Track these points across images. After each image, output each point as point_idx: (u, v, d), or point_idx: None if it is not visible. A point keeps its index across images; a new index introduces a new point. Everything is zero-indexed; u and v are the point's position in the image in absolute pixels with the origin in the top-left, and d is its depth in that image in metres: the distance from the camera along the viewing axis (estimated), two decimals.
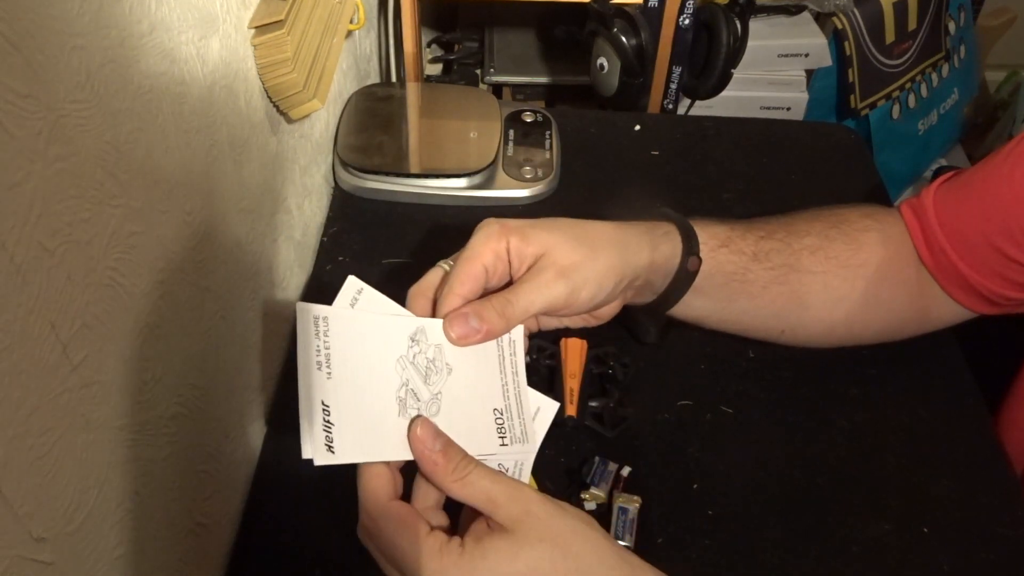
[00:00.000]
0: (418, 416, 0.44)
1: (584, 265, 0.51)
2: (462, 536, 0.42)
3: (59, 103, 0.34)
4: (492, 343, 0.49)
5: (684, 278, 0.58)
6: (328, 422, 0.42)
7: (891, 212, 0.66)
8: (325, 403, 0.43)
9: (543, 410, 0.49)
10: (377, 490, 0.43)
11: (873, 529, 0.60)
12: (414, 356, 0.46)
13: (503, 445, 0.47)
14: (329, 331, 0.44)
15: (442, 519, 0.45)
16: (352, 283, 0.46)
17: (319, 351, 0.44)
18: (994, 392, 0.71)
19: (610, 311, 0.57)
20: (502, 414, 0.48)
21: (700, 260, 0.58)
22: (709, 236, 0.60)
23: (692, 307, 0.61)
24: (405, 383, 0.45)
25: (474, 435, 0.45)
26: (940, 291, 0.64)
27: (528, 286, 0.50)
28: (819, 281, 0.63)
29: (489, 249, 0.50)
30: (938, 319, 0.66)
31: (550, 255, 0.51)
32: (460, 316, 0.47)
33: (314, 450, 0.41)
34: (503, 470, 0.46)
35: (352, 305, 0.46)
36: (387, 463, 0.44)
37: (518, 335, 0.50)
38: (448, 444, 0.44)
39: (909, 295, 0.65)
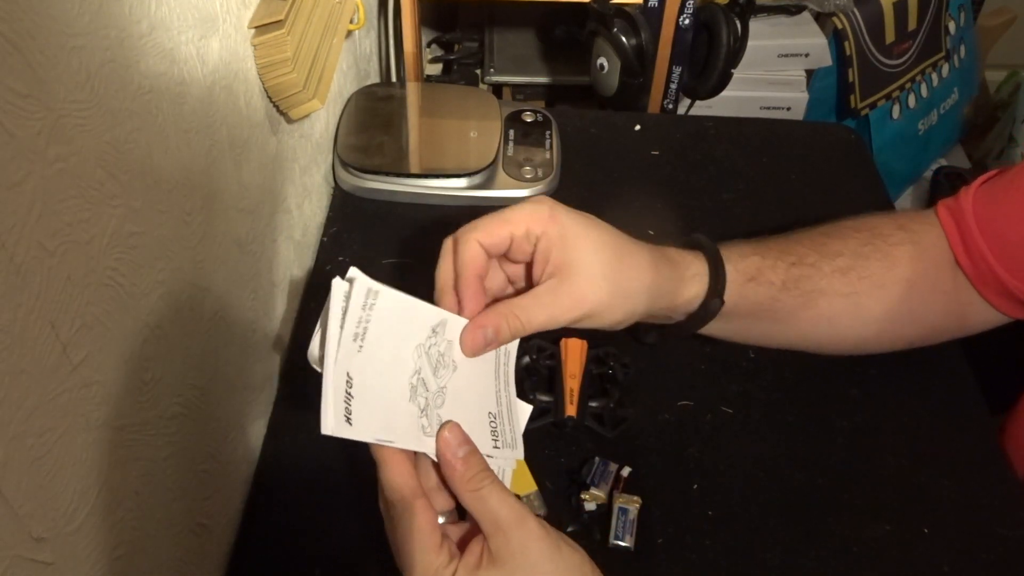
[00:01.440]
0: (449, 421, 0.45)
1: (600, 300, 0.50)
2: (461, 549, 0.43)
3: (59, 103, 0.34)
4: (490, 370, 0.50)
5: (705, 316, 0.58)
6: (349, 394, 0.42)
7: (925, 218, 0.65)
8: (350, 375, 0.43)
9: (519, 412, 0.50)
10: (402, 486, 0.43)
11: (873, 529, 0.60)
12: (429, 347, 0.46)
13: (495, 447, 0.47)
14: (376, 306, 0.44)
15: (445, 502, 0.45)
16: (362, 281, 0.45)
17: (360, 323, 0.44)
18: (995, 393, 0.71)
19: (617, 330, 0.57)
20: (496, 418, 0.48)
21: (722, 302, 0.57)
22: (739, 273, 0.59)
23: (712, 329, 0.61)
24: (418, 371, 0.46)
25: (471, 433, 0.46)
26: (977, 296, 0.63)
27: (543, 304, 0.49)
28: (851, 302, 0.62)
29: (524, 223, 0.49)
30: (975, 324, 0.65)
31: (578, 278, 0.50)
32: (476, 330, 0.48)
33: (334, 420, 0.41)
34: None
35: (364, 307, 0.46)
36: (405, 451, 0.44)
37: (513, 345, 0.51)
38: (471, 453, 0.44)
39: (945, 304, 0.64)
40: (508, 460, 0.48)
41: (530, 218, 0.49)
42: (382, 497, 0.45)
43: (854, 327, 0.63)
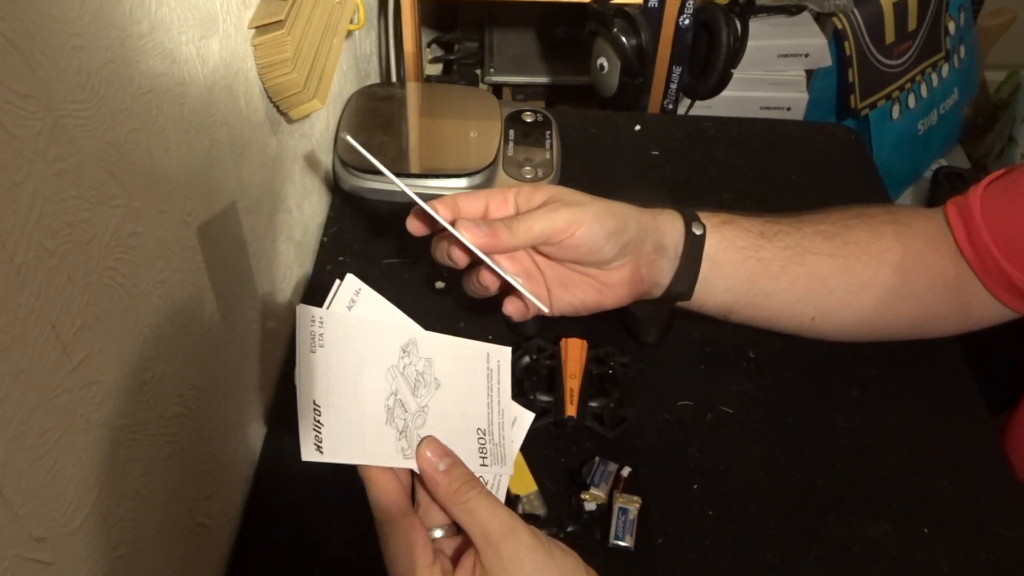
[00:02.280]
0: (427, 436, 0.45)
1: (586, 205, 0.56)
2: (456, 563, 0.43)
3: (59, 103, 0.34)
4: (481, 364, 0.49)
5: (693, 242, 0.59)
6: (318, 422, 0.43)
7: (924, 213, 0.65)
8: (316, 403, 0.43)
9: (520, 420, 0.50)
10: (389, 506, 0.43)
11: (873, 529, 0.60)
12: (404, 367, 0.46)
13: (483, 465, 0.47)
14: (324, 332, 0.44)
15: (441, 518, 0.45)
16: (350, 282, 0.46)
17: (314, 350, 0.44)
18: (995, 393, 0.71)
19: (619, 278, 0.58)
20: (484, 435, 0.48)
21: (704, 226, 0.60)
22: (709, 215, 0.61)
23: (716, 290, 0.61)
24: (394, 392, 0.45)
25: (456, 450, 0.46)
26: (983, 291, 0.63)
27: (534, 211, 0.55)
28: (839, 264, 0.62)
29: (497, 192, 0.56)
30: (980, 318, 0.65)
31: (557, 195, 0.56)
32: (471, 223, 0.51)
33: (304, 447, 0.42)
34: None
35: (350, 306, 0.46)
36: (393, 470, 0.44)
37: (505, 357, 0.50)
38: (453, 464, 0.44)
39: (945, 290, 0.64)
40: (498, 475, 0.48)
41: (499, 189, 0.57)
42: (374, 517, 0.44)
43: (849, 292, 0.63)
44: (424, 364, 0.47)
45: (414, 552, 0.42)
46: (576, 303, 0.59)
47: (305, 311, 0.44)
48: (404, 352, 0.46)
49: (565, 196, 0.56)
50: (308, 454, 0.42)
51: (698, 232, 0.60)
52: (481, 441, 0.47)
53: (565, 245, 0.55)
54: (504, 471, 0.48)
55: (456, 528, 0.45)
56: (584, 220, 0.54)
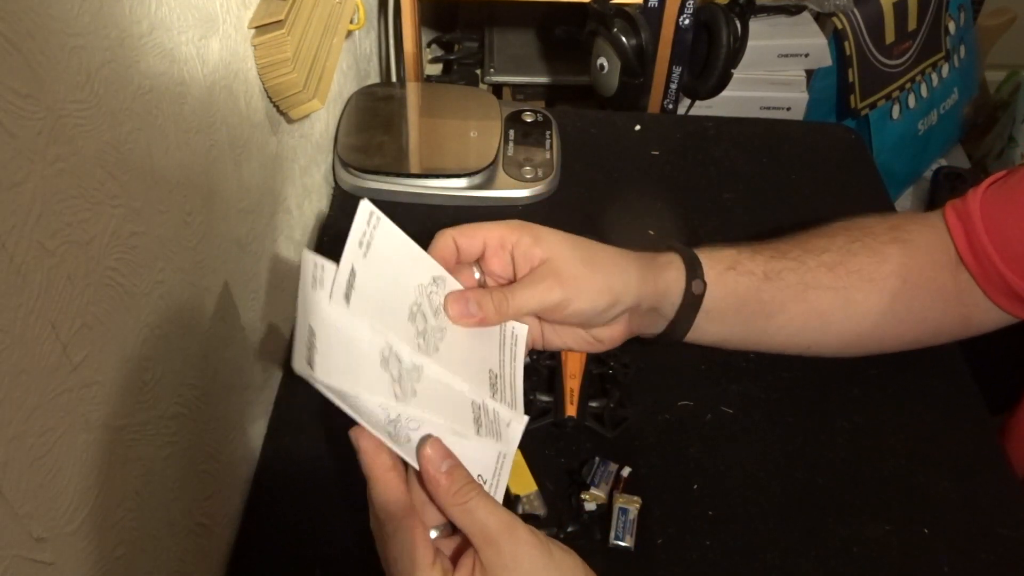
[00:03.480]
0: (429, 436, 0.45)
1: (582, 280, 0.54)
2: (454, 563, 0.43)
3: (59, 103, 0.34)
4: (495, 337, 0.50)
5: (691, 303, 0.59)
6: (313, 344, 0.43)
7: (924, 220, 0.65)
8: (313, 328, 0.43)
9: (513, 423, 0.50)
10: (391, 504, 0.43)
11: (873, 529, 0.60)
12: (430, 294, 0.48)
13: (477, 434, 0.47)
14: (368, 253, 0.46)
15: (436, 517, 0.45)
16: (364, 208, 0.46)
17: (351, 275, 0.45)
18: (995, 393, 0.71)
19: (611, 335, 0.58)
20: (479, 409, 0.48)
21: (704, 284, 0.59)
22: (715, 261, 0.60)
23: (708, 333, 0.62)
24: (419, 330, 0.47)
25: (448, 413, 0.46)
26: (983, 297, 0.62)
27: (526, 287, 0.53)
28: (840, 297, 0.62)
29: (497, 233, 0.54)
30: (980, 325, 0.65)
31: (553, 263, 0.54)
32: (461, 297, 0.51)
33: (298, 360, 0.42)
34: (481, 481, 0.46)
35: (365, 235, 0.46)
36: (395, 467, 0.44)
37: (521, 333, 0.52)
38: (454, 466, 0.44)
39: (944, 304, 0.63)
40: (496, 457, 0.48)
41: (504, 228, 0.54)
42: (373, 515, 0.44)
43: (848, 323, 0.63)
44: (440, 301, 0.49)
45: (415, 551, 0.42)
46: (565, 346, 0.59)
47: (368, 210, 0.46)
48: (434, 282, 0.49)
49: (561, 266, 0.53)
50: (299, 367, 0.42)
51: (698, 292, 0.59)
52: (476, 412, 0.48)
53: (555, 318, 0.55)
54: (503, 452, 0.48)
55: (452, 528, 0.45)
56: (577, 300, 0.54)
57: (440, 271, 0.50)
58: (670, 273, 0.59)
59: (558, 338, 0.58)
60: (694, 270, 0.59)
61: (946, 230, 0.64)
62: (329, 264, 0.44)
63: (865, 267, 0.62)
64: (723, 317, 0.61)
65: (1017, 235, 0.60)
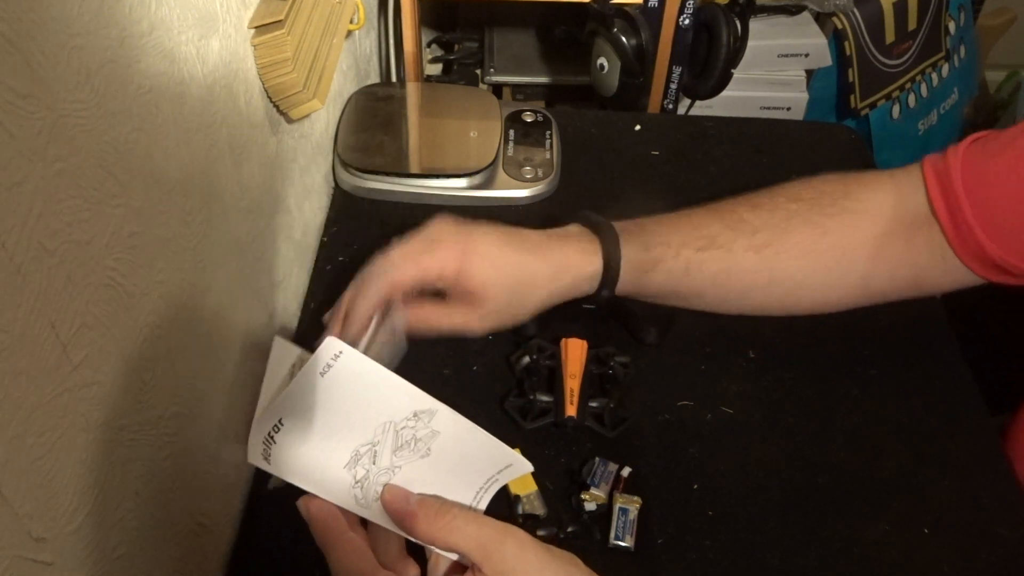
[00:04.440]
0: (387, 484, 0.44)
1: (506, 314, 0.60)
2: None
3: (59, 103, 0.34)
4: (490, 466, 0.45)
5: (601, 303, 0.63)
6: (271, 438, 0.44)
7: (878, 184, 0.64)
8: (282, 422, 0.44)
9: (515, 466, 0.46)
10: (361, 570, 0.42)
11: (873, 530, 0.60)
12: (402, 427, 0.44)
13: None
14: (337, 367, 0.43)
15: (412, 569, 0.44)
16: (330, 345, 0.43)
17: (321, 374, 0.43)
18: (995, 393, 0.71)
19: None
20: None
21: (612, 293, 0.62)
22: (633, 266, 0.62)
23: (643, 296, 0.65)
24: (372, 443, 0.44)
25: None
26: (950, 256, 0.61)
27: (443, 313, 0.59)
28: (762, 276, 0.63)
29: (436, 268, 0.57)
30: (937, 285, 0.64)
31: (483, 299, 0.58)
32: (402, 496, 0.44)
33: (251, 450, 0.43)
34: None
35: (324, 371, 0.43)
36: (355, 528, 0.44)
37: (522, 470, 0.47)
38: (421, 498, 0.43)
39: (891, 270, 0.63)
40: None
41: (441, 262, 0.57)
42: (319, 545, 0.44)
43: (770, 297, 0.65)
44: (428, 433, 0.45)
45: (361, 561, 0.42)
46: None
47: (332, 344, 0.43)
48: (414, 416, 0.44)
49: (491, 303, 0.58)
50: (252, 457, 0.44)
51: (605, 296, 0.62)
52: None
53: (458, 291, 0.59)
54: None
55: None
56: (493, 325, 0.60)
57: (433, 406, 0.44)
58: (583, 283, 0.61)
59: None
60: (608, 280, 0.61)
61: (919, 188, 0.62)
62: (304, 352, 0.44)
63: (800, 242, 0.62)
64: (658, 298, 0.65)
65: (995, 196, 0.58)
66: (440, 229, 0.58)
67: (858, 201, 0.63)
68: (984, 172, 0.59)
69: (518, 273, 0.59)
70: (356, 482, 0.44)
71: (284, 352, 0.49)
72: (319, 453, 0.44)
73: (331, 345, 0.42)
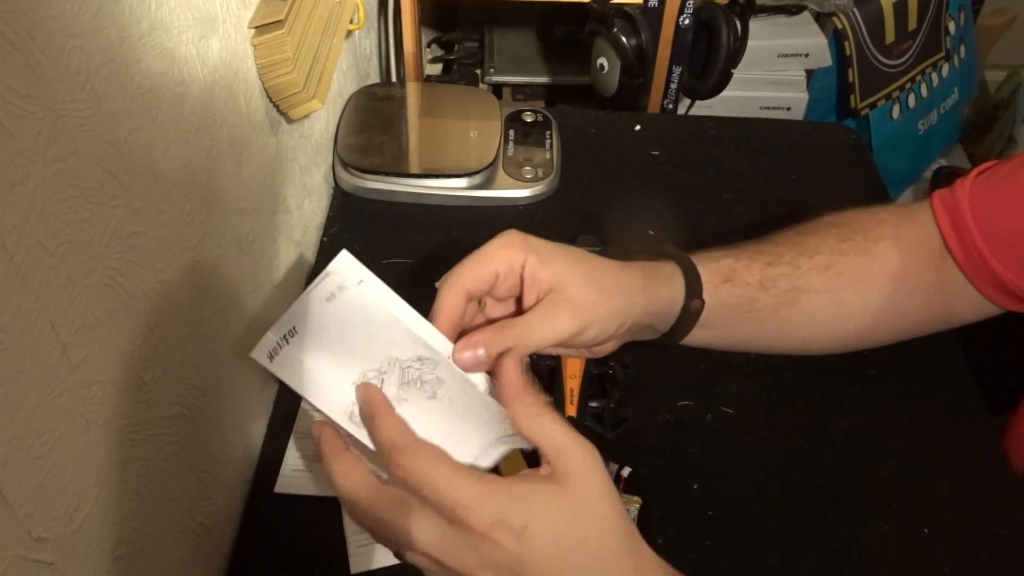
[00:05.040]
0: (508, 350, 0.45)
1: (594, 307, 0.52)
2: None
3: (59, 103, 0.34)
4: (492, 428, 0.46)
5: (687, 319, 0.59)
6: (285, 339, 0.44)
7: (909, 212, 0.65)
8: (296, 328, 0.44)
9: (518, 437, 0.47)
10: (401, 434, 0.43)
11: (873, 530, 0.60)
12: (407, 367, 0.45)
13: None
14: (356, 293, 0.45)
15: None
16: (351, 268, 0.45)
17: (330, 300, 0.45)
18: (995, 393, 0.71)
19: (606, 349, 0.58)
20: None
21: (703, 303, 0.58)
22: (712, 274, 0.60)
23: (697, 339, 0.62)
24: (380, 371, 0.45)
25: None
26: (968, 286, 0.62)
27: (539, 322, 0.50)
28: (830, 298, 0.62)
29: (505, 258, 0.50)
30: (962, 315, 0.65)
31: (564, 290, 0.51)
32: (470, 343, 0.47)
33: (259, 348, 0.44)
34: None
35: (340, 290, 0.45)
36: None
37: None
38: (530, 383, 0.44)
39: (928, 298, 0.64)
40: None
41: (508, 251, 0.51)
42: (358, 514, 0.44)
43: (835, 323, 0.63)
44: (433, 380, 0.46)
45: (448, 463, 0.42)
46: (555, 353, 0.59)
47: (353, 268, 0.45)
48: (419, 361, 0.45)
49: (573, 294, 0.51)
50: (258, 355, 0.44)
51: (696, 311, 0.58)
52: None
53: (564, 347, 0.54)
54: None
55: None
56: (590, 329, 0.52)
57: (438, 350, 0.46)
58: (668, 292, 0.58)
59: (552, 349, 0.56)
60: (693, 288, 0.58)
61: (932, 222, 0.63)
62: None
63: (855, 267, 0.62)
64: (714, 325, 0.61)
65: (1006, 226, 0.60)
66: (498, 238, 0.52)
67: (894, 228, 0.64)
68: (993, 201, 0.61)
69: (586, 256, 0.54)
70: (355, 401, 0.45)
71: (351, 269, 0.47)
72: (327, 366, 0.45)
73: (352, 268, 0.44)
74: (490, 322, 0.52)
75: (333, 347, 0.45)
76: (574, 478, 0.42)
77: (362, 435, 0.45)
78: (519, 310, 0.53)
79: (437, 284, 0.50)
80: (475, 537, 0.40)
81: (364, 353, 0.45)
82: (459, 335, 0.49)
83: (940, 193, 0.64)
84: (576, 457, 0.42)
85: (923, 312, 0.64)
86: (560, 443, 0.42)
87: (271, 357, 0.45)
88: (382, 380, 0.45)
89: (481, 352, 0.47)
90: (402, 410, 0.45)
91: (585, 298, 0.51)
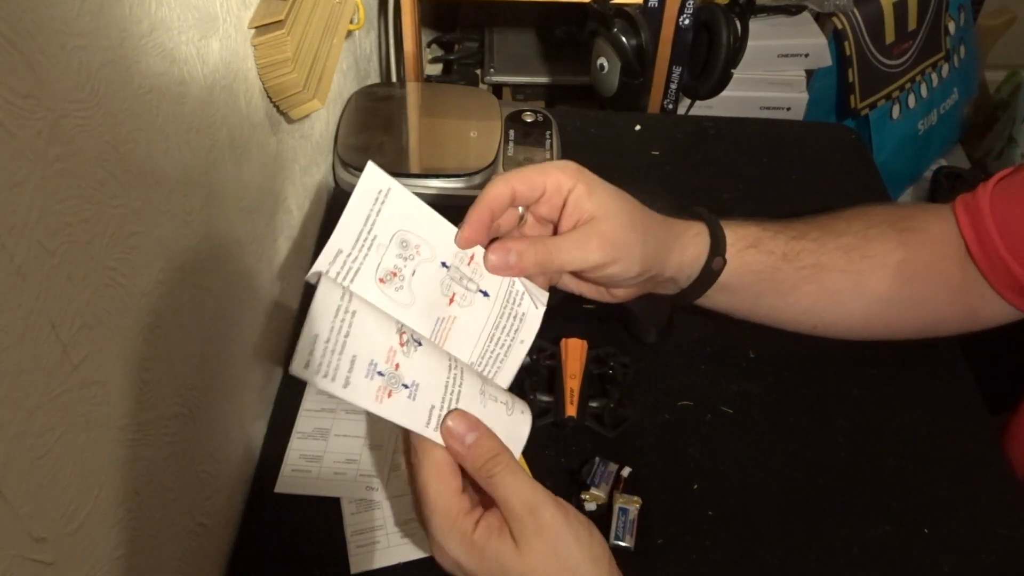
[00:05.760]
0: (454, 410, 0.45)
1: (625, 246, 0.54)
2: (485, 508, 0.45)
3: (59, 103, 0.34)
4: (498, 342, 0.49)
5: (707, 277, 0.60)
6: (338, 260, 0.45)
7: (938, 211, 0.65)
8: (342, 249, 0.45)
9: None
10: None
11: (873, 530, 0.60)
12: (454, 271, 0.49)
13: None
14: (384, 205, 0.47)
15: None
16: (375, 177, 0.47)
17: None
18: (995, 393, 0.71)
19: (625, 293, 0.59)
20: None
21: (724, 261, 0.59)
22: (738, 237, 0.61)
23: (716, 302, 0.63)
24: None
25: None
26: (990, 291, 0.63)
27: (571, 245, 0.53)
28: (853, 279, 0.62)
29: (556, 178, 0.53)
30: (987, 319, 0.65)
31: (602, 222, 0.53)
32: (503, 247, 0.50)
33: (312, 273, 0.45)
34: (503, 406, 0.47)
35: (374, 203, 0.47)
36: None
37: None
38: (478, 439, 0.45)
39: (951, 295, 0.64)
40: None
41: (561, 173, 0.53)
42: (405, 453, 0.46)
43: (857, 306, 0.63)
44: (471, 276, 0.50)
45: (444, 473, 0.44)
46: (576, 290, 0.59)
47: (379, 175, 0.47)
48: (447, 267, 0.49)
49: (608, 228, 0.53)
50: (312, 278, 0.44)
51: (717, 269, 0.59)
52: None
53: (586, 275, 0.55)
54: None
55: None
56: (615, 264, 0.53)
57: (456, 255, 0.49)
58: (694, 248, 0.59)
59: (574, 284, 0.58)
60: (717, 247, 0.59)
61: (955, 223, 0.64)
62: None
63: (879, 253, 0.63)
64: (735, 291, 0.61)
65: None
66: (557, 161, 0.55)
67: (920, 221, 0.65)
68: (1013, 206, 0.61)
69: (634, 216, 0.55)
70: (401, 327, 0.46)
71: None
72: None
73: (380, 177, 0.46)
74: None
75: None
76: (524, 545, 0.43)
77: (409, 364, 0.46)
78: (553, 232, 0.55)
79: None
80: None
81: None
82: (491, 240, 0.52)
83: (963, 197, 0.64)
84: (528, 524, 0.43)
85: (947, 309, 0.65)
86: (511, 508, 0.43)
87: (322, 280, 0.45)
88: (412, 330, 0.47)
89: (512, 257, 0.50)
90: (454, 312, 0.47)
91: (618, 235, 0.53)
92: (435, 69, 1.42)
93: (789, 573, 0.58)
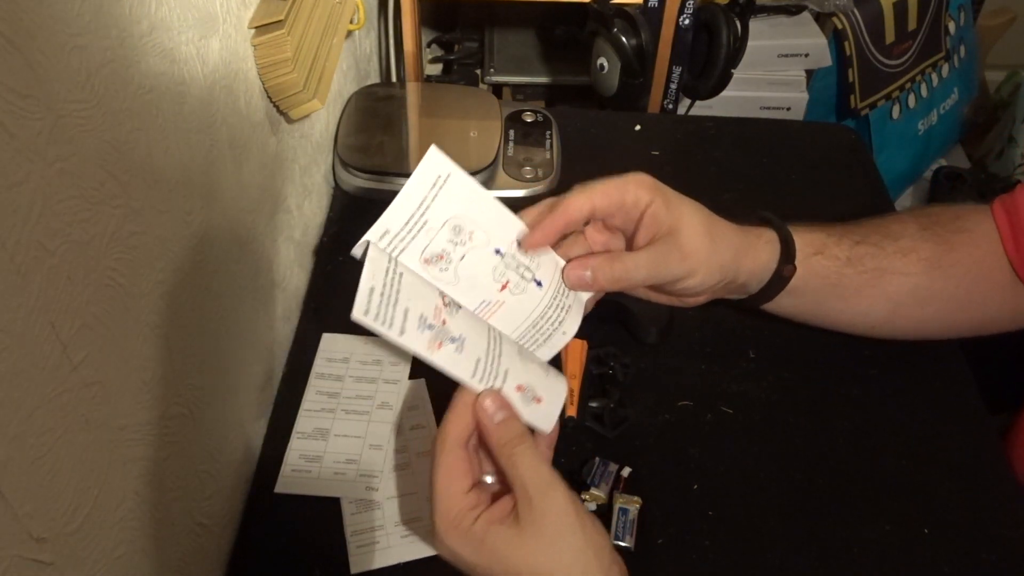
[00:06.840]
0: (490, 388, 0.46)
1: (704, 257, 0.55)
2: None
3: (59, 103, 0.34)
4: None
5: (777, 283, 0.61)
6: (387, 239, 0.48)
7: (982, 212, 0.66)
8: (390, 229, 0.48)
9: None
10: (450, 432, 0.46)
11: (873, 530, 0.60)
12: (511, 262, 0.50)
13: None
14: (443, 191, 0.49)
15: (491, 467, 0.48)
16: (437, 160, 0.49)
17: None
18: (995, 393, 0.71)
19: (697, 301, 0.60)
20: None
21: (795, 268, 0.60)
22: (805, 244, 0.62)
23: (782, 306, 0.63)
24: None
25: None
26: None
27: (649, 262, 0.53)
28: (910, 282, 0.63)
29: (636, 193, 0.53)
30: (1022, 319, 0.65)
31: (680, 234, 0.54)
32: (581, 264, 0.52)
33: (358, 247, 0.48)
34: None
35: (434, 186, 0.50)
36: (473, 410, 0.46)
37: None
38: (507, 419, 0.46)
39: (1002, 294, 0.64)
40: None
41: (640, 188, 0.53)
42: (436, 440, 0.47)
43: (915, 307, 0.64)
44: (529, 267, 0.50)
45: (453, 473, 0.45)
46: (646, 297, 0.60)
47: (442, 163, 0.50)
48: (498, 254, 0.49)
49: (687, 240, 0.53)
50: (358, 251, 0.47)
51: (787, 275, 0.60)
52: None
53: (663, 288, 0.56)
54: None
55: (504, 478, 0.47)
56: (693, 276, 0.54)
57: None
58: (765, 255, 0.60)
59: (644, 291, 0.59)
60: (788, 253, 0.60)
61: (993, 223, 0.64)
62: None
63: (934, 255, 0.63)
64: (801, 295, 0.62)
65: None
66: (633, 175, 0.55)
67: (970, 222, 0.65)
68: None
69: (710, 226, 0.56)
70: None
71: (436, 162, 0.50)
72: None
73: (441, 162, 0.49)
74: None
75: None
76: (529, 527, 0.44)
77: (454, 322, 0.47)
78: (626, 247, 0.56)
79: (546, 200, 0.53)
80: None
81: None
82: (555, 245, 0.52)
83: (1001, 198, 0.65)
84: (538, 501, 0.44)
85: (997, 308, 0.65)
86: (525, 485, 0.44)
87: (371, 253, 0.47)
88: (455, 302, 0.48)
89: (588, 274, 0.51)
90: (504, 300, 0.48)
91: (698, 247, 0.54)
92: (435, 69, 1.42)
93: (789, 573, 0.58)
